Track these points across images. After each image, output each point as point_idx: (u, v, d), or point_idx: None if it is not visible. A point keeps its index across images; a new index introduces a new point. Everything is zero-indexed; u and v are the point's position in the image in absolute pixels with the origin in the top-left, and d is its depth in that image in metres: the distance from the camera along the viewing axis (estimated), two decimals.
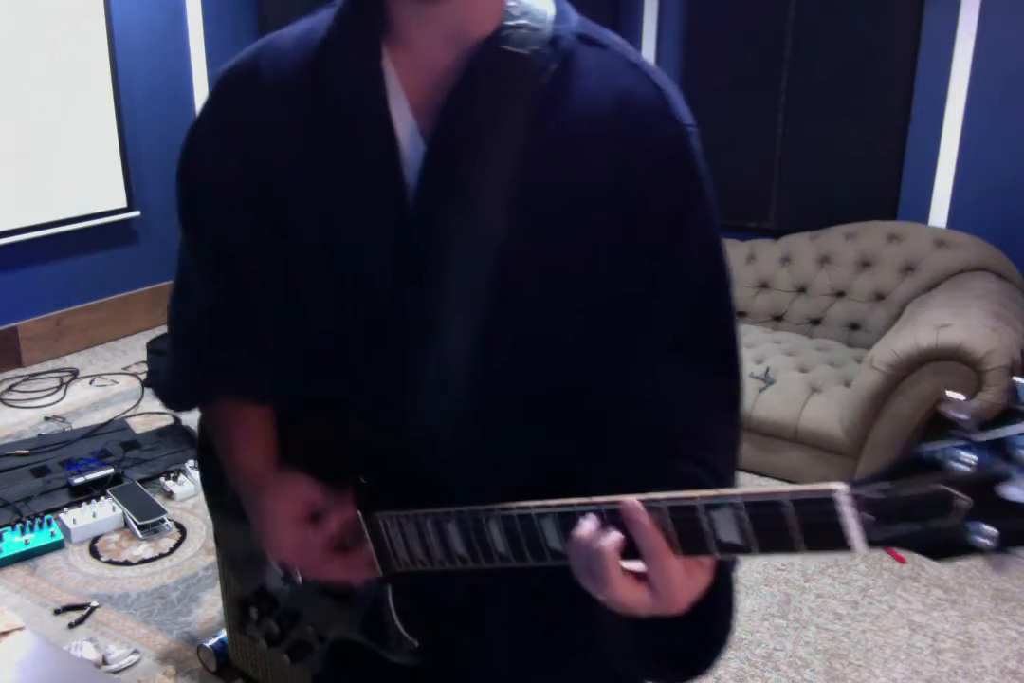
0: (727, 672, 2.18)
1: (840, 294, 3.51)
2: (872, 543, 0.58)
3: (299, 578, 0.95)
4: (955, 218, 3.47)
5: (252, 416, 0.94)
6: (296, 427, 0.95)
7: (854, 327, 3.47)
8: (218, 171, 0.88)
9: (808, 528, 0.60)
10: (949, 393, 0.55)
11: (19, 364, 4.07)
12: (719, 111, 3.92)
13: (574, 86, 0.78)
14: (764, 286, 3.68)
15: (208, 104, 0.89)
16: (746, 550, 0.63)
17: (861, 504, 0.57)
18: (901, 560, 2.61)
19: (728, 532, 0.63)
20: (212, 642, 2.15)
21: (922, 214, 3.53)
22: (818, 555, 0.75)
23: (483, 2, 0.78)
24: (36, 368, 4.08)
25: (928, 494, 0.55)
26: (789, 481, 3.03)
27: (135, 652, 2.21)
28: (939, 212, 3.50)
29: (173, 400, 1.00)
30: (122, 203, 4.27)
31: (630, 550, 0.66)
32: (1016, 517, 0.53)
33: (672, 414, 0.79)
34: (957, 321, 2.70)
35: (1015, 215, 3.35)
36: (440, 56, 0.79)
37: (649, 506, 0.65)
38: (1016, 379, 0.53)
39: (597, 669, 0.91)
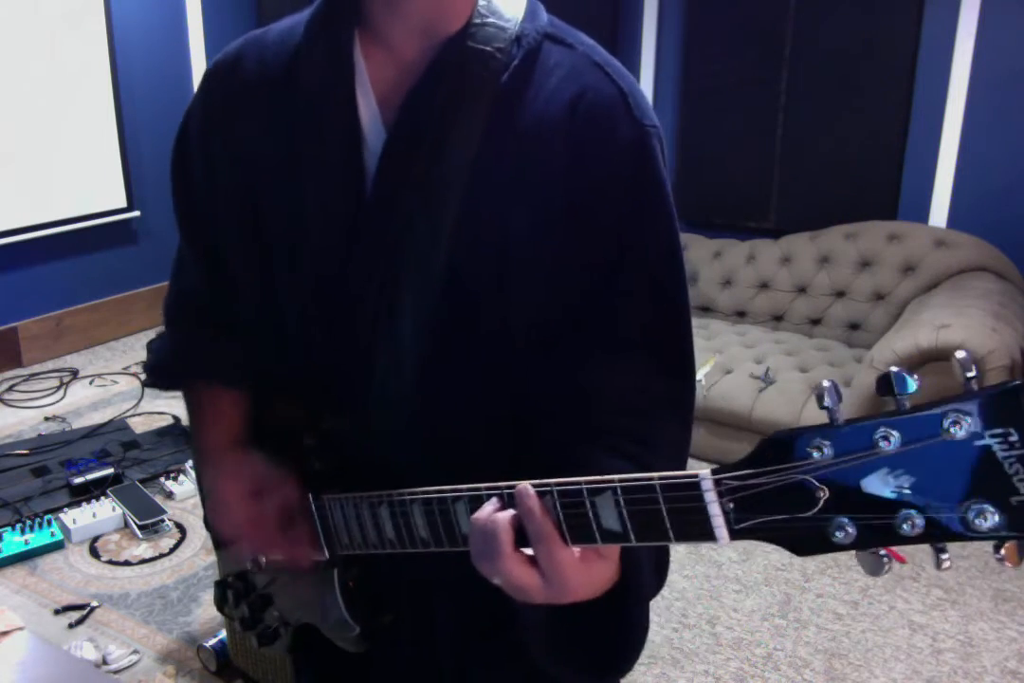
0: (727, 672, 2.18)
1: (840, 294, 3.51)
2: (736, 533, 0.57)
3: (247, 557, 0.97)
4: (955, 218, 3.47)
5: (223, 399, 0.97)
6: (260, 411, 0.99)
7: (854, 327, 3.47)
8: (204, 160, 0.93)
9: (676, 514, 0.59)
10: (823, 382, 0.53)
11: (19, 364, 4.07)
12: (719, 111, 3.92)
13: (536, 83, 0.80)
14: (764, 286, 3.68)
15: (196, 96, 0.94)
16: (625, 538, 0.63)
17: (724, 490, 0.57)
18: (901, 560, 2.61)
19: (609, 518, 0.63)
20: (212, 642, 2.15)
21: (922, 214, 3.53)
22: (689, 545, 0.74)
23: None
24: (36, 368, 4.08)
25: (788, 483, 0.54)
26: None
27: (135, 652, 2.21)
28: (939, 212, 3.50)
29: (160, 377, 1.04)
30: (122, 203, 4.27)
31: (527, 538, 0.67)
32: (874, 511, 0.51)
33: (612, 410, 0.80)
34: (957, 321, 2.70)
35: (1015, 215, 3.35)
36: (409, 50, 0.82)
37: (540, 491, 0.66)
38: (893, 368, 0.51)
39: (536, 672, 0.93)
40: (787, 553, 2.38)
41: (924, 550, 2.65)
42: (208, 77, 0.93)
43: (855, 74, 3.56)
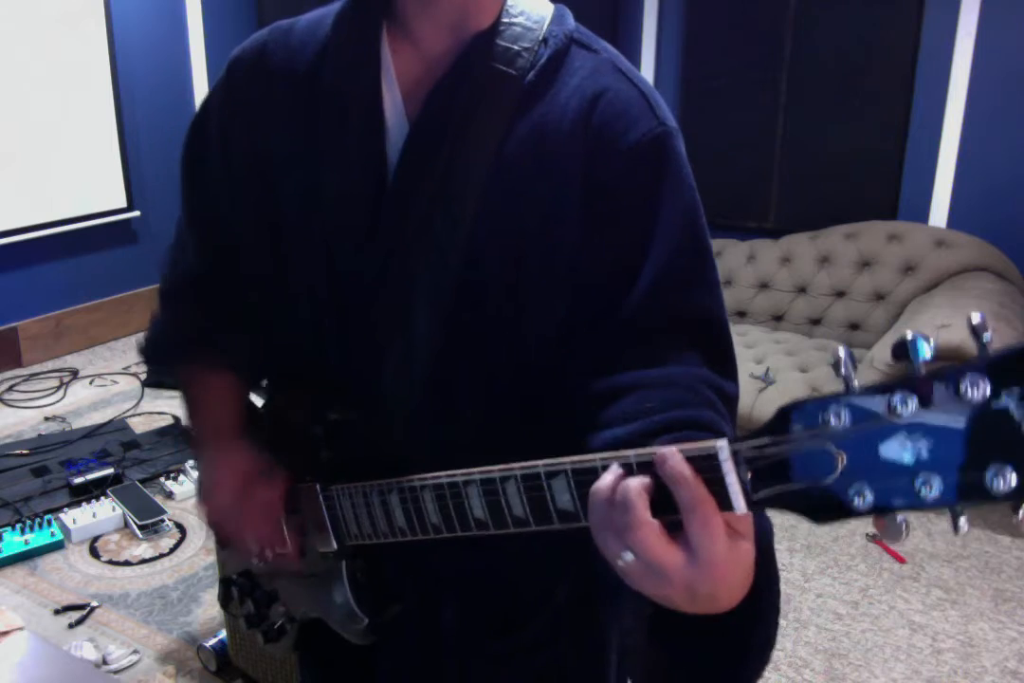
0: None
1: (840, 294, 3.51)
2: (755, 503, 0.56)
3: (241, 550, 0.99)
4: (955, 218, 3.47)
5: (218, 382, 0.98)
6: (269, 400, 0.99)
7: (854, 327, 3.47)
8: (221, 146, 0.93)
9: None
10: (839, 350, 0.53)
11: (19, 364, 4.07)
12: (719, 111, 3.92)
13: (559, 83, 0.81)
14: (764, 286, 3.68)
15: (219, 82, 0.94)
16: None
17: (741, 460, 0.56)
18: (901, 560, 2.61)
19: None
20: (212, 642, 2.15)
21: (922, 214, 3.53)
22: None
23: None
24: (36, 368, 4.08)
25: (806, 451, 0.54)
26: None
27: (135, 652, 2.21)
28: (939, 212, 3.50)
29: (153, 357, 1.04)
30: (122, 203, 4.27)
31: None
32: (892, 476, 0.51)
33: (648, 406, 0.75)
34: (957, 321, 2.70)
35: (1015, 215, 3.35)
36: (436, 45, 0.83)
37: (589, 467, 0.64)
38: (907, 332, 0.51)
39: (542, 672, 0.93)
40: (787, 553, 2.38)
41: (924, 550, 2.64)
42: (233, 64, 0.93)
43: (855, 74, 3.56)
